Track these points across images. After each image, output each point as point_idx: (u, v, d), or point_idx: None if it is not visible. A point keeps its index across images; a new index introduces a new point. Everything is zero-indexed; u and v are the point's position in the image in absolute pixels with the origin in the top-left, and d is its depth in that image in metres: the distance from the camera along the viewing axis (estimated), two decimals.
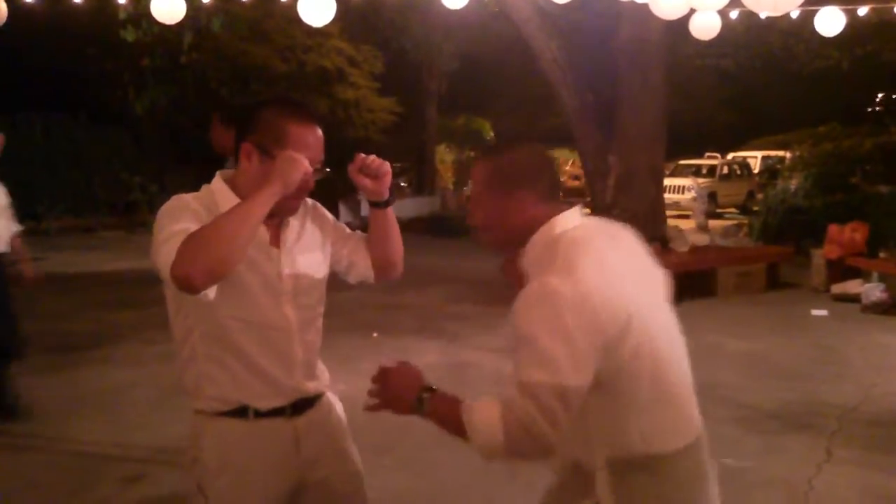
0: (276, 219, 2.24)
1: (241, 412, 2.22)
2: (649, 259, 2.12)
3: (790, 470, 4.71)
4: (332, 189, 18.28)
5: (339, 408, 2.52)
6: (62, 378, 6.64)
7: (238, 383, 2.21)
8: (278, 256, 2.23)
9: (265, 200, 2.04)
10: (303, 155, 2.13)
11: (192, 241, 1.93)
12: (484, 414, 1.92)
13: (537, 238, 2.06)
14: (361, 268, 2.48)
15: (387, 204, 2.42)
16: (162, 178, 18.42)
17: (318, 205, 2.47)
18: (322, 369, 2.45)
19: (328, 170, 2.26)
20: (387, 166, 2.35)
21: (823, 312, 9.18)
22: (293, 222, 2.30)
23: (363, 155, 2.33)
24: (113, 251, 14.70)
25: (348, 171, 2.31)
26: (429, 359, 7.24)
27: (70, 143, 18.29)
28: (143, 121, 18.24)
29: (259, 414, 2.23)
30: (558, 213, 2.06)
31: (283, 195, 2.09)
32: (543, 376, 1.84)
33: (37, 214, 17.26)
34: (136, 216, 18.24)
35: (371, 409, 2.16)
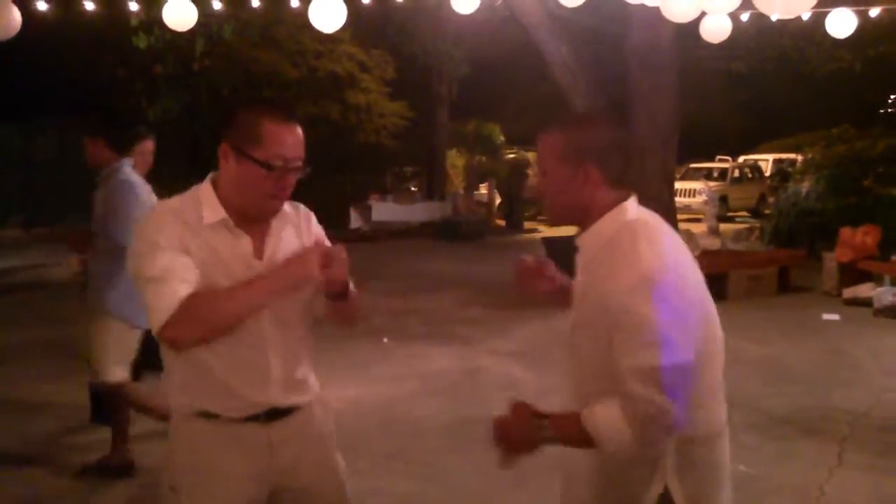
0: (260, 226, 2.23)
1: (212, 415, 2.22)
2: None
3: (801, 475, 4.69)
4: (343, 194, 18.34)
5: (323, 416, 2.46)
6: (77, 383, 6.65)
7: (205, 395, 2.22)
8: (260, 270, 2.19)
9: (274, 294, 2.10)
10: (281, 154, 2.12)
11: (190, 311, 2.01)
12: (605, 417, 1.92)
13: (606, 223, 2.06)
14: (317, 306, 2.39)
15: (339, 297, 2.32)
16: (174, 185, 18.43)
17: (312, 216, 2.43)
18: (308, 379, 2.39)
19: (308, 169, 2.20)
20: (343, 254, 2.19)
21: (835, 316, 9.14)
22: (280, 232, 2.27)
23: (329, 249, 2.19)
24: None
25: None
26: (440, 364, 7.25)
27: (83, 150, 18.39)
28: (156, 127, 18.31)
29: (230, 419, 2.23)
30: (626, 200, 2.07)
31: (291, 293, 2.12)
32: (662, 358, 1.86)
33: (51, 220, 17.34)
34: None
35: (507, 466, 2.12)
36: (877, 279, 9.92)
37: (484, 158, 24.36)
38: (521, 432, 2.06)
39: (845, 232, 10.66)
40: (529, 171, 22.98)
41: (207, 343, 2.10)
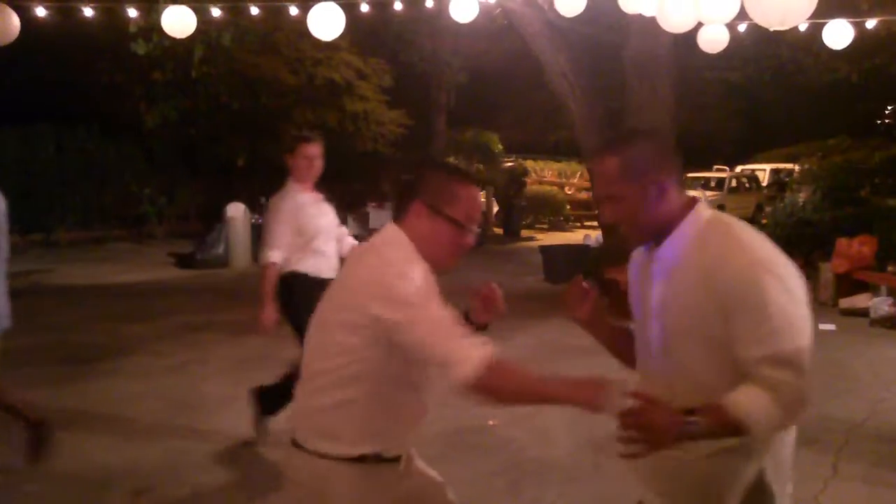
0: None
1: (366, 458, 2.30)
2: None
3: (797, 486, 4.64)
4: (340, 202, 18.35)
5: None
6: (71, 390, 6.66)
7: (388, 436, 2.35)
8: None
9: (568, 401, 2.18)
10: (472, 215, 2.37)
11: (499, 374, 2.19)
12: (754, 405, 1.92)
13: (688, 225, 2.11)
14: None
15: (480, 329, 2.58)
16: (172, 191, 18.51)
17: None
18: None
19: (477, 230, 2.44)
20: (503, 308, 2.60)
21: (831, 326, 9.14)
22: None
23: (494, 288, 2.60)
24: (122, 263, 14.75)
25: (473, 292, 2.59)
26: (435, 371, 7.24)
27: (81, 156, 18.36)
28: (154, 133, 18.32)
29: (380, 459, 2.34)
30: (696, 202, 2.14)
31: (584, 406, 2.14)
32: (795, 342, 1.94)
33: (47, 226, 17.35)
34: (145, 228, 18.31)
35: (635, 456, 1.95)
36: (873, 289, 9.93)
37: (482, 166, 24.38)
38: (668, 428, 1.92)
39: (842, 242, 10.67)
40: (527, 179, 23.02)
41: (500, 402, 2.38)
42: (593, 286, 2.46)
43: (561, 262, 12.71)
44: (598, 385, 2.08)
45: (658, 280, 2.16)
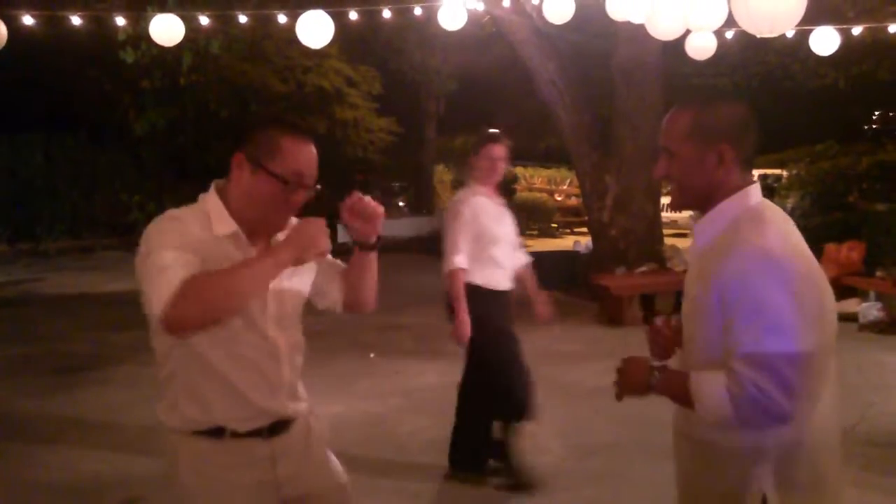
0: (263, 241, 2.25)
1: (216, 432, 2.22)
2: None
3: None
4: (331, 209, 18.33)
5: (319, 425, 2.49)
6: (60, 399, 6.64)
7: (217, 406, 2.21)
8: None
9: (275, 267, 2.04)
10: (296, 168, 2.15)
11: (192, 289, 1.91)
12: (710, 387, 1.92)
13: (731, 204, 2.02)
14: (331, 299, 2.48)
15: (371, 248, 2.41)
16: (161, 199, 18.45)
17: None
18: (302, 389, 2.43)
19: (319, 187, 2.25)
20: (379, 210, 2.33)
21: None
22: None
23: (359, 195, 2.32)
24: (111, 272, 14.69)
25: (341, 206, 2.32)
26: (428, 379, 7.23)
27: (69, 164, 18.32)
28: (143, 141, 18.28)
29: (236, 434, 2.23)
30: (752, 183, 2.04)
31: (295, 262, 2.08)
32: (778, 344, 1.81)
33: (36, 235, 17.28)
34: (134, 236, 18.24)
35: (618, 397, 2.22)
36: (862, 294, 9.97)
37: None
38: (636, 376, 2.12)
39: (830, 248, 10.69)
40: (516, 186, 23.05)
41: (211, 326, 1.97)
42: (664, 322, 2.40)
43: (550, 268, 12.71)
44: (305, 226, 2.10)
45: (695, 256, 2.13)
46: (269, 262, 2.02)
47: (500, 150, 4.68)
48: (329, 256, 2.44)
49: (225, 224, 2.17)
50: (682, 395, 1.99)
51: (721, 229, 2.01)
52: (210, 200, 2.23)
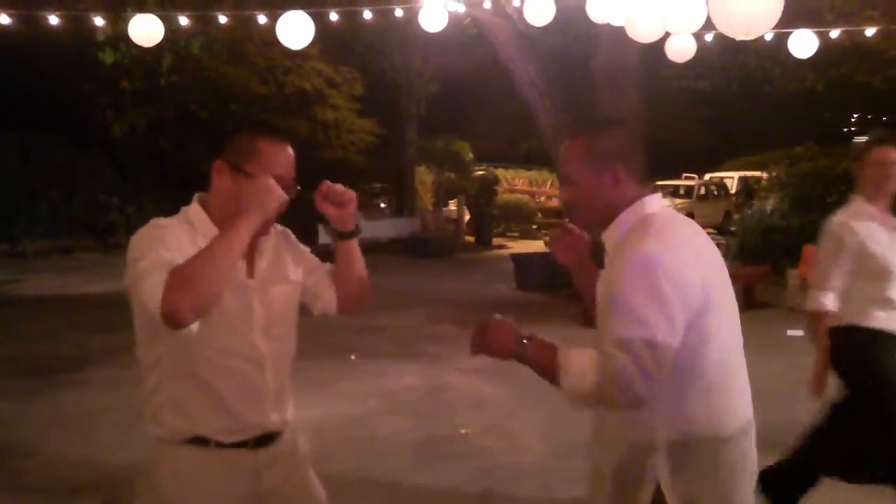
0: (250, 246, 2.23)
1: (201, 442, 2.21)
2: (720, 257, 2.20)
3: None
4: (311, 211, 18.26)
5: (301, 439, 2.49)
6: (39, 401, 6.58)
7: (202, 417, 2.20)
8: (252, 288, 2.24)
9: (244, 230, 2.05)
10: (274, 171, 2.16)
11: (177, 277, 1.94)
12: (578, 360, 1.99)
13: (627, 215, 2.14)
14: (325, 300, 2.47)
15: (351, 235, 2.41)
16: (140, 200, 18.35)
17: (289, 232, 2.48)
18: (290, 400, 2.41)
19: (300, 188, 2.26)
20: (351, 194, 2.35)
21: (799, 332, 9.22)
22: (267, 252, 2.31)
23: (328, 182, 2.34)
24: (90, 273, 14.60)
25: (314, 197, 2.33)
26: (408, 381, 7.23)
27: (49, 165, 18.20)
28: (122, 142, 18.17)
29: (220, 445, 2.22)
30: (646, 196, 2.16)
31: (261, 222, 2.10)
32: (638, 331, 1.93)
33: (14, 236, 17.14)
34: (113, 238, 18.15)
35: (473, 352, 2.15)
36: None
37: (453, 175, 24.42)
38: (501, 339, 2.10)
39: (809, 249, 10.79)
40: (498, 188, 23.08)
41: (207, 311, 1.99)
42: (583, 233, 2.51)
43: (532, 270, 12.74)
44: (256, 184, 2.09)
45: (605, 269, 2.22)
46: (240, 227, 2.04)
47: (893, 154, 3.77)
48: (315, 259, 2.47)
49: (208, 233, 2.17)
50: (549, 366, 2.03)
51: (618, 239, 2.15)
52: (192, 210, 2.24)
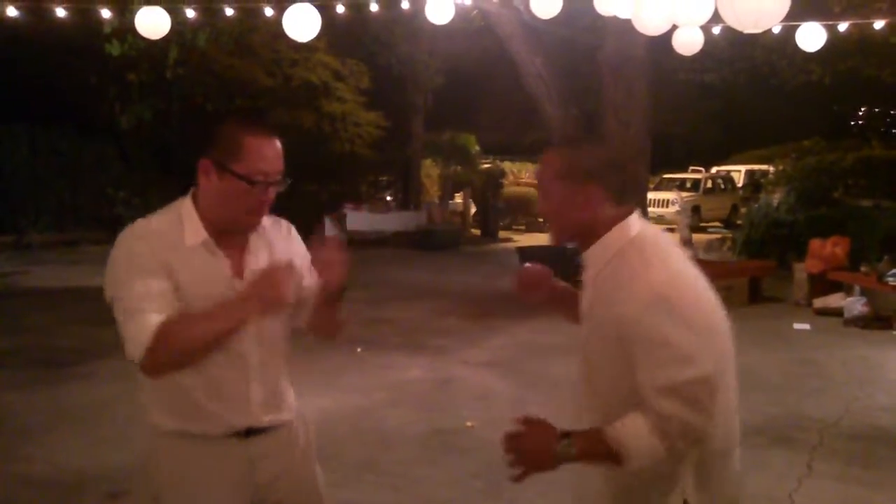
0: (239, 242, 2.22)
1: (188, 434, 2.22)
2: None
3: (771, 484, 4.73)
4: (317, 203, 18.27)
5: (304, 430, 2.44)
6: (45, 393, 6.60)
7: (184, 417, 2.20)
8: (240, 288, 2.17)
9: (238, 323, 2.07)
10: (261, 167, 2.11)
11: (164, 341, 2.01)
12: (635, 434, 1.92)
13: (611, 239, 2.09)
14: (297, 317, 2.39)
15: (336, 299, 2.35)
16: (146, 193, 18.36)
17: (293, 228, 2.43)
18: (287, 397, 2.38)
19: (289, 181, 2.21)
20: (339, 257, 2.27)
21: (805, 326, 9.23)
22: (259, 249, 2.26)
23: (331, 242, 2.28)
24: (97, 265, 14.41)
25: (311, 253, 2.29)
26: (413, 374, 7.24)
27: (55, 157, 18.21)
28: (129, 135, 18.17)
29: (209, 436, 2.22)
30: (628, 216, 2.11)
31: (260, 314, 2.08)
32: (686, 372, 1.88)
33: (20, 228, 17.17)
34: (119, 230, 18.11)
35: (517, 479, 2.04)
36: (846, 289, 10.03)
37: (459, 168, 24.39)
38: (541, 449, 2.00)
39: (815, 243, 10.77)
40: (504, 181, 23.05)
41: (185, 369, 2.11)
42: (538, 265, 2.51)
43: (538, 262, 12.71)
44: (268, 278, 2.07)
45: (588, 288, 2.18)
46: (236, 317, 2.06)
47: None
48: (309, 268, 2.36)
49: (195, 234, 2.16)
50: (602, 453, 1.95)
51: (607, 259, 2.09)
52: (185, 206, 2.21)
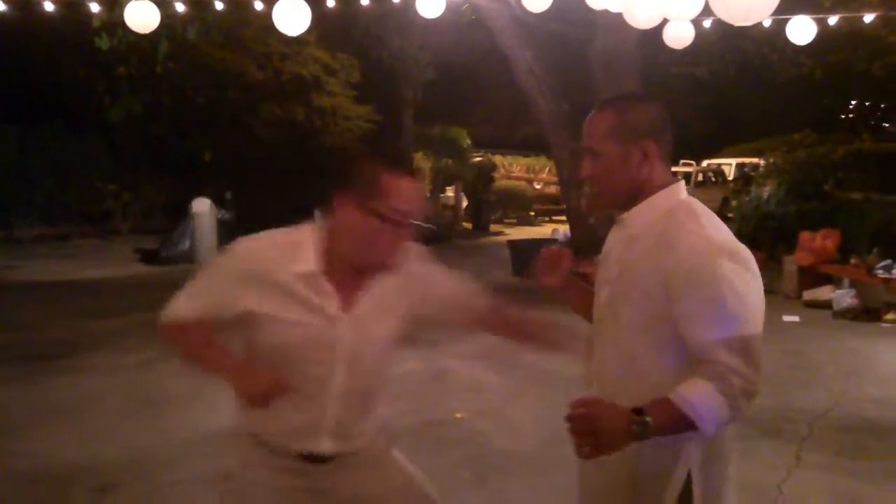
0: (359, 277, 2.21)
1: (256, 437, 2.30)
2: None
3: (760, 475, 4.75)
4: (308, 197, 18.24)
5: (383, 444, 2.52)
6: (34, 387, 6.58)
7: (256, 421, 2.27)
8: (344, 323, 2.20)
9: (216, 374, 2.21)
10: (403, 207, 2.10)
11: (168, 332, 2.25)
12: (701, 396, 1.84)
13: (661, 198, 2.05)
14: (448, 323, 2.57)
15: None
16: (136, 187, 18.31)
17: (426, 260, 2.42)
18: (367, 426, 2.39)
19: (432, 227, 2.27)
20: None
21: (795, 318, 9.27)
22: (377, 290, 2.25)
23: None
24: (87, 259, 14.59)
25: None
26: (407, 366, 7.24)
27: (45, 152, 18.12)
28: (118, 129, 18.10)
29: (271, 448, 2.28)
30: (677, 180, 2.08)
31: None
32: (748, 327, 1.86)
33: (9, 222, 17.10)
34: (109, 224, 18.12)
35: (588, 456, 1.83)
36: (836, 282, 10.08)
37: (450, 162, 24.38)
38: (618, 427, 1.82)
39: (805, 236, 10.81)
40: (495, 175, 23.06)
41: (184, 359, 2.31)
42: (566, 248, 2.47)
43: (528, 256, 12.70)
44: (249, 375, 2.15)
45: (619, 247, 2.14)
46: (216, 370, 2.23)
47: None
48: (465, 296, 2.58)
49: (305, 262, 2.15)
50: (678, 424, 1.85)
51: (655, 219, 2.03)
52: (306, 232, 2.22)
